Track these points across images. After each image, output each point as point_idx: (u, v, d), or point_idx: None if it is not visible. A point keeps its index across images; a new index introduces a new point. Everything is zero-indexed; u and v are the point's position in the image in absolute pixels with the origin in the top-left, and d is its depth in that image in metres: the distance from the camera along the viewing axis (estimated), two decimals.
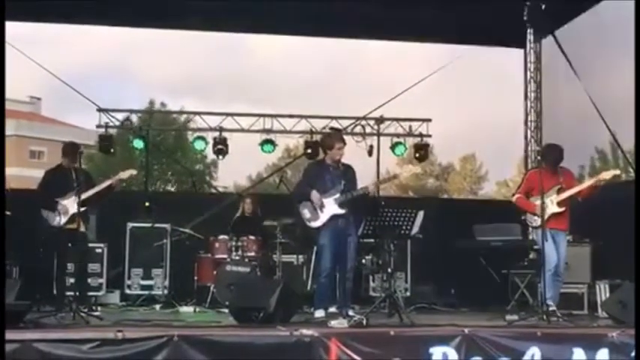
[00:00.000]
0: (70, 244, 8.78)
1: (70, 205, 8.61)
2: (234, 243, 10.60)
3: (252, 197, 11.62)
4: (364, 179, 8.70)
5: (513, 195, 8.89)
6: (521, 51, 13.67)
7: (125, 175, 9.07)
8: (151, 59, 60.05)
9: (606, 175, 8.50)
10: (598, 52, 12.19)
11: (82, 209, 8.59)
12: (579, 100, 12.03)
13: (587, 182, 8.67)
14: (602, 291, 9.71)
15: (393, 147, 13.68)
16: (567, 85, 12.53)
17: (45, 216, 8.77)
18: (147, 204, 11.92)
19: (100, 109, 13.37)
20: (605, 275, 9.88)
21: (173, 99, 51.80)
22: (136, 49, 57.51)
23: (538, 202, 8.21)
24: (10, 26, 11.80)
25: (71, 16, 12.82)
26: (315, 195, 8.33)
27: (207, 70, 57.34)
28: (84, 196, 8.58)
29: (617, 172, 8.71)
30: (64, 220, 8.65)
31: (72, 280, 9.08)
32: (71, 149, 8.93)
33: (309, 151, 13.31)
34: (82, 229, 8.84)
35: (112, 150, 13.93)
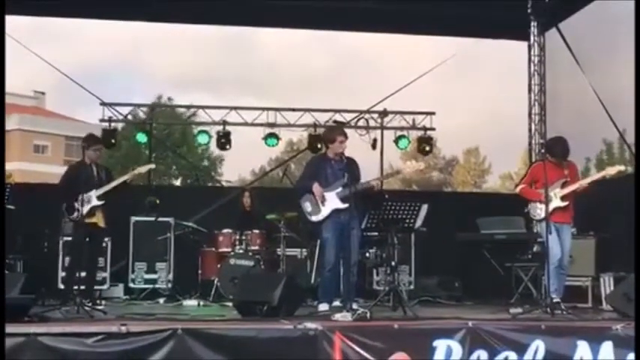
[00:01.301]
0: (87, 239, 8.81)
1: (90, 198, 8.69)
2: (237, 237, 10.61)
3: (250, 191, 11.62)
4: (368, 172, 8.70)
5: (517, 186, 8.87)
6: (525, 44, 13.64)
7: (144, 169, 9.19)
8: (157, 53, 60.24)
9: (611, 170, 8.46)
10: (603, 45, 12.13)
11: (101, 203, 8.75)
12: (583, 92, 11.99)
13: (592, 177, 8.64)
14: (607, 284, 9.69)
15: (396, 140, 13.67)
16: (571, 78, 12.49)
17: (64, 210, 8.82)
18: (157, 201, 11.89)
19: (103, 103, 13.36)
20: (609, 268, 9.86)
21: (180, 93, 52.09)
22: (143, 43, 57.73)
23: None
24: (16, 20, 11.86)
25: (78, 10, 12.80)
26: (316, 188, 8.30)
27: (214, 64, 57.59)
28: (103, 190, 8.72)
29: (622, 167, 8.67)
30: (83, 213, 8.67)
31: (79, 274, 9.08)
32: (90, 142, 8.99)
33: (318, 145, 13.24)
34: (102, 224, 8.91)
35: (115, 144, 13.90)
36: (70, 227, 9.39)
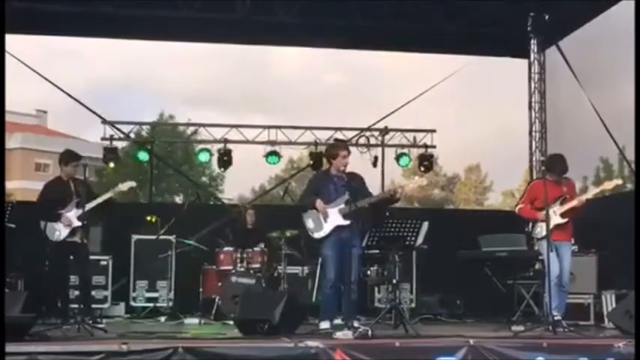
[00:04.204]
0: (71, 257, 8.75)
1: (71, 218, 8.60)
2: (239, 255, 10.60)
3: (254, 209, 11.64)
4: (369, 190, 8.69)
5: (516, 205, 8.86)
6: (526, 61, 13.69)
7: (124, 187, 8.98)
8: (162, 72, 60.40)
9: (608, 185, 8.49)
10: (603, 62, 12.17)
11: (83, 223, 8.61)
12: (584, 109, 12.02)
13: (590, 192, 8.63)
14: (609, 301, 9.68)
15: (397, 158, 13.69)
16: (572, 95, 12.52)
17: (43, 229, 8.69)
18: (153, 220, 11.90)
19: (104, 122, 13.37)
20: (611, 285, 9.84)
21: (188, 111, 52.29)
22: (149, 61, 57.91)
23: (542, 213, 8.20)
24: (20, 39, 11.96)
25: (84, 29, 12.86)
26: (320, 203, 8.29)
27: (221, 82, 57.73)
28: (84, 209, 8.55)
29: (620, 181, 8.70)
30: (64, 233, 8.61)
31: (76, 293, 9.06)
32: (67, 158, 8.88)
33: (316, 162, 13.21)
34: (83, 240, 8.82)
35: (117, 162, 13.91)
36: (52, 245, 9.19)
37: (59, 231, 8.61)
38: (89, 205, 8.61)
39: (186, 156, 31.52)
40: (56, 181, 9.04)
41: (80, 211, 8.53)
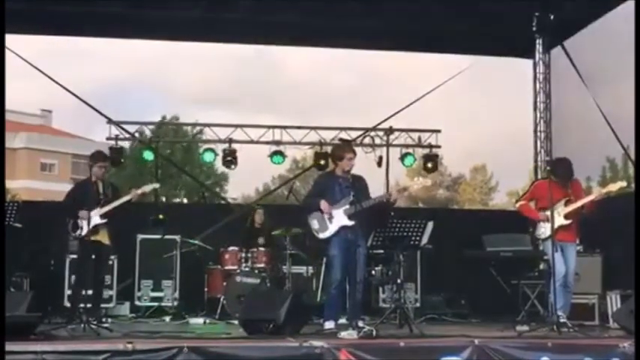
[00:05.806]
0: (93, 257, 8.81)
1: (93, 216, 8.68)
2: (244, 254, 10.62)
3: (263, 208, 11.66)
4: (374, 190, 8.70)
5: (517, 201, 8.85)
6: (531, 61, 13.67)
7: (148, 188, 9.13)
8: (168, 72, 60.51)
9: (613, 187, 8.45)
10: (608, 62, 12.13)
11: (104, 221, 8.73)
12: (589, 109, 12.00)
13: (594, 194, 8.60)
14: (613, 301, 9.66)
15: (402, 158, 13.68)
16: (577, 95, 12.49)
17: (70, 227, 8.82)
18: (161, 216, 11.95)
19: (110, 122, 13.38)
20: (616, 286, 9.83)
21: (196, 111, 52.37)
22: (155, 61, 58.07)
23: (546, 213, 8.18)
24: (28, 39, 11.98)
25: (93, 29, 12.87)
26: (324, 204, 8.30)
27: (231, 82, 57.94)
28: (106, 208, 8.70)
29: (624, 183, 8.67)
30: (85, 231, 8.67)
31: (86, 292, 9.08)
32: (92, 159, 8.96)
33: (322, 162, 13.23)
34: (106, 241, 8.90)
35: (122, 162, 13.93)
36: (75, 245, 9.36)
37: (80, 228, 8.69)
38: (110, 205, 8.76)
39: (188, 156, 31.46)
40: (85, 181, 9.20)
41: (102, 211, 8.68)
